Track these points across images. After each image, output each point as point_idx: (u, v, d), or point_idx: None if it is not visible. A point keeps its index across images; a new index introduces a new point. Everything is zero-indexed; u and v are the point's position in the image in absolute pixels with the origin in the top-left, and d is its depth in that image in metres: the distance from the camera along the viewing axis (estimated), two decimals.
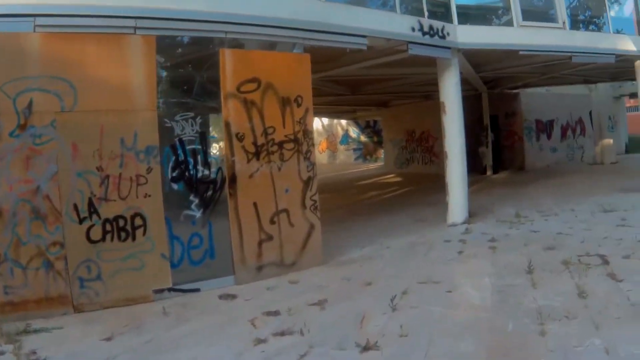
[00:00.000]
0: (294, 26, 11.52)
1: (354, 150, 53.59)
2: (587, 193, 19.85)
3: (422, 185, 27.11)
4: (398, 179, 32.91)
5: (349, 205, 22.01)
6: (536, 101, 33.15)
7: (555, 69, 22.95)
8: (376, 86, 26.79)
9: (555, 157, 34.07)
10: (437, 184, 21.84)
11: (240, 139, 10.73)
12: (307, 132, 11.59)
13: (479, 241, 12.90)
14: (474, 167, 29.57)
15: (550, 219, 15.21)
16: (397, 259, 11.80)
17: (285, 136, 11.26)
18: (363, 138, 52.35)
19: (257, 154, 10.93)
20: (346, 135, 54.26)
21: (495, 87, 29.93)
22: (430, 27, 14.37)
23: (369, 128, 50.28)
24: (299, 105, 11.40)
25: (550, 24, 17.26)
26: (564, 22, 17.13)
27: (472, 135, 29.42)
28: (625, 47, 18.56)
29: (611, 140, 34.15)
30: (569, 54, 17.27)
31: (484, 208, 17.72)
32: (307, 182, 11.56)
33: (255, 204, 10.88)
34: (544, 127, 33.81)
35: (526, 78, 26.66)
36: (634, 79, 30.45)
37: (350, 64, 17.97)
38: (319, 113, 45.36)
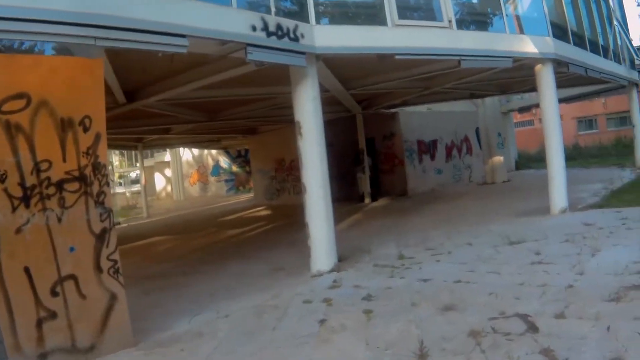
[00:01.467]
0: (75, 21, 8.20)
1: (226, 181, 52.08)
2: (483, 220, 17.37)
3: (291, 219, 24.14)
4: (266, 212, 30.42)
5: (199, 250, 18.80)
6: (417, 120, 30.85)
7: (438, 81, 20.69)
8: (236, 110, 24.20)
9: (441, 179, 31.94)
10: None
11: (1, 179, 7.33)
12: (99, 167, 8.17)
13: (349, 300, 9.53)
14: (350, 195, 29.47)
15: (443, 259, 12.07)
16: (234, 336, 8.49)
17: (67, 173, 7.87)
18: (235, 168, 50.66)
19: (26, 200, 7.56)
20: (217, 165, 52.48)
21: (370, 107, 27.34)
22: (279, 26, 11.19)
23: (241, 157, 48.18)
24: (86, 130, 8.03)
25: (433, 23, 14.21)
26: (450, 21, 14.09)
27: (347, 160, 28.56)
28: (524, 48, 15.75)
29: (501, 158, 32.17)
30: (457, 57, 14.18)
31: (358, 247, 14.82)
32: (102, 236, 8.14)
33: (27, 270, 7.53)
34: (427, 148, 31.54)
35: (405, 94, 24.21)
36: (525, 91, 28.65)
37: (188, 82, 15.46)
38: (177, 143, 43.49)
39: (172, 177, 58.30)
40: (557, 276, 9.29)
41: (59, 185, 7.79)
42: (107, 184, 8.31)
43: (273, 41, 11.03)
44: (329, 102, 22.09)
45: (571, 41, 18.39)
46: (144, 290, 12.47)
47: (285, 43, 11.27)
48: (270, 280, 12.17)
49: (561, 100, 20.64)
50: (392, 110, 29.06)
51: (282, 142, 33.19)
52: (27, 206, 7.48)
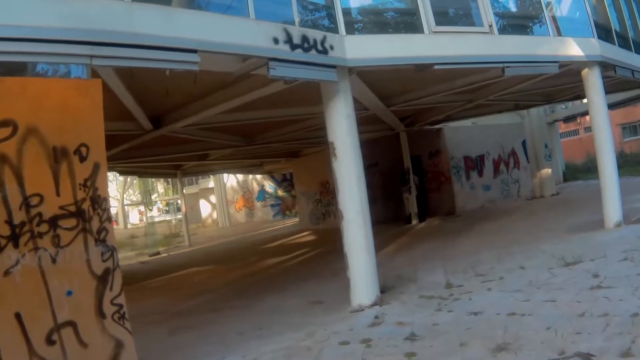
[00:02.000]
0: (67, 38, 7.28)
1: (272, 206, 51.28)
2: (534, 238, 16.14)
3: (337, 244, 22.54)
4: (311, 237, 29.20)
5: (235, 282, 17.69)
6: (462, 136, 29.56)
7: (481, 93, 19.61)
8: (274, 133, 23.23)
9: (489, 195, 30.50)
10: None
11: None
12: (99, 200, 7.21)
13: (391, 341, 8.40)
14: (397, 216, 28.69)
15: (494, 287, 10.87)
16: None
17: (62, 208, 6.90)
18: (280, 192, 49.83)
19: (14, 238, 6.58)
20: (262, 190, 51.77)
21: (413, 124, 26.09)
22: (304, 38, 10.10)
23: (286, 181, 47.31)
24: (82, 160, 7.08)
25: (473, 29, 13.10)
26: (490, 26, 12.92)
27: (393, 180, 27.86)
28: (570, 52, 14.57)
29: (549, 170, 30.90)
30: (500, 65, 12.99)
31: (404, 275, 13.69)
32: (104, 278, 7.21)
33: (19, 316, 6.56)
34: (474, 164, 30.18)
35: (448, 109, 23.02)
36: (570, 99, 27.31)
37: (215, 104, 14.59)
38: (218, 169, 42.94)
39: (217, 203, 57.62)
40: (619, 303, 8.19)
41: (53, 221, 6.84)
42: (109, 219, 7.36)
43: (299, 54, 9.97)
44: (370, 120, 21.88)
45: (616, 42, 17.23)
46: (169, 329, 11.65)
47: (312, 56, 10.17)
48: (306, 317, 11.02)
49: None
50: (437, 126, 27.89)
51: (325, 164, 31.07)
52: (16, 246, 6.54)
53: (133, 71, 10.73)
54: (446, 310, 9.68)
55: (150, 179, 72.20)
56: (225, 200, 56.64)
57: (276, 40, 9.60)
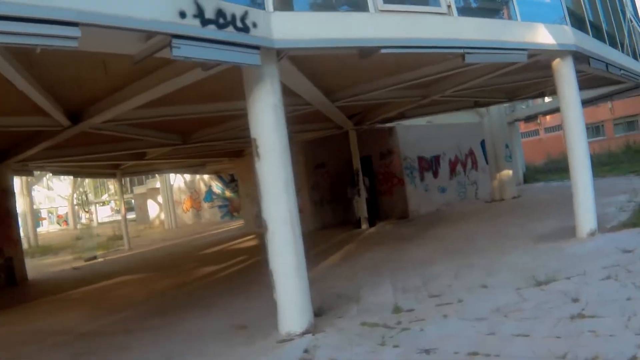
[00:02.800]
0: None
1: (220, 207, 50.02)
2: (497, 248, 14.50)
3: None
4: (253, 242, 27.11)
5: (160, 296, 15.94)
6: (416, 135, 28.10)
7: (437, 88, 18.25)
8: (211, 130, 21.90)
9: (445, 198, 29.27)
10: (306, 244, 16.84)
11: None
12: None
13: None
14: (346, 220, 28.16)
15: (451, 313, 9.05)
16: None
17: None
18: (228, 193, 48.40)
19: None
20: (210, 191, 50.25)
21: (363, 122, 24.62)
22: (219, 12, 8.16)
23: (234, 182, 45.34)
24: None
25: (428, 8, 11.32)
26: (449, 6, 11.16)
27: (342, 182, 28.33)
28: (540, 39, 12.85)
29: (510, 172, 29.29)
30: (460, 50, 11.19)
31: (345, 293, 11.89)
32: None
33: None
34: (429, 165, 28.88)
35: (400, 105, 21.43)
36: (533, 97, 25.83)
37: (131, 96, 13.04)
38: (161, 169, 41.77)
39: (163, 204, 55.78)
40: (610, 340, 6.51)
41: None
42: None
43: (212, 32, 8.06)
44: (315, 118, 20.64)
45: (589, 33, 15.66)
46: (71, 355, 10.09)
47: (230, 34, 8.27)
48: (226, 346, 9.25)
49: None
50: (389, 125, 26.39)
51: None
52: None
53: (31, 57, 9.06)
54: (391, 345, 7.85)
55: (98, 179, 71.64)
56: (172, 201, 55.09)
57: (183, 14, 7.69)
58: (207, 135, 22.18)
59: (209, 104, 16.26)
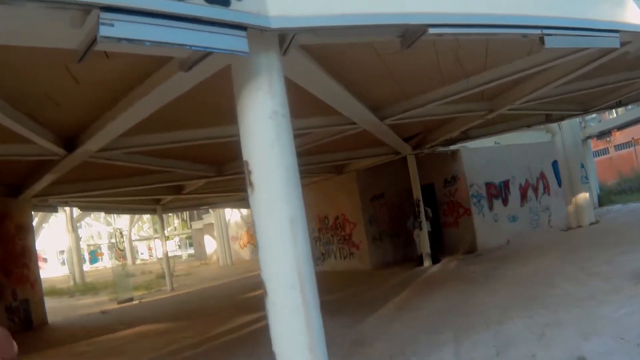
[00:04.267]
0: None
1: None
2: (588, 295, 11.35)
3: (339, 290, 19.62)
4: None
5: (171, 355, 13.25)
6: (483, 158, 25.12)
7: (505, 98, 15.56)
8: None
9: (516, 227, 25.90)
10: (359, 286, 18.39)
11: None
12: None
13: None
14: (407, 256, 25.24)
15: None
16: None
17: None
18: None
19: None
20: None
21: (422, 145, 21.52)
22: None
23: None
24: None
25: None
26: None
27: (402, 214, 25.54)
28: (635, 19, 9.56)
29: (587, 195, 25.85)
30: (537, 31, 7.96)
31: None
32: None
33: None
34: (497, 191, 25.76)
35: (463, 123, 18.34)
36: (609, 107, 22.64)
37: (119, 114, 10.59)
38: (205, 203, 39.13)
39: (217, 240, 53.10)
40: None
41: None
42: None
43: (165, 2, 5.06)
44: (369, 142, 19.24)
45: None
46: None
47: (197, 7, 5.17)
48: None
49: None
50: (452, 147, 23.37)
51: (323, 196, 28.23)
52: None
53: None
54: None
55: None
56: (227, 236, 52.40)
57: None
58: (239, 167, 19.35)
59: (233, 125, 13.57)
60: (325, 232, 28.75)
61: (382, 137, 17.65)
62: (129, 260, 75.15)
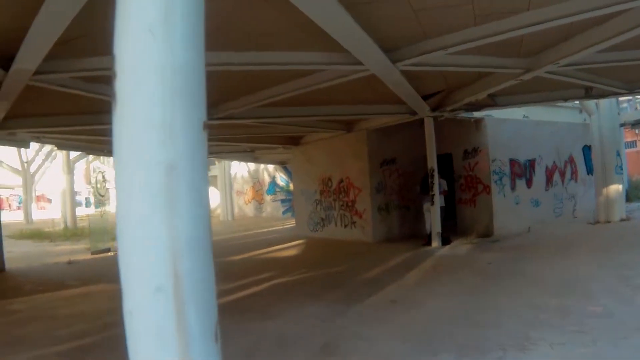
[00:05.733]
0: None
1: (282, 201, 45.19)
2: (634, 314, 8.78)
3: (331, 265, 17.16)
4: (299, 251, 22.15)
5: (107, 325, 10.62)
6: (510, 131, 22.30)
7: (548, 56, 12.82)
8: (248, 99, 16.72)
9: (538, 213, 23.10)
10: (355, 262, 16.64)
11: None
12: None
13: None
14: (415, 232, 22.58)
15: None
16: None
17: None
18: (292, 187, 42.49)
19: None
20: (273, 183, 45.29)
21: (443, 106, 18.58)
22: None
23: None
24: None
25: None
26: None
27: (413, 183, 22.50)
28: None
29: (620, 187, 23.09)
30: None
31: None
32: None
33: None
34: (522, 170, 22.89)
35: (494, 82, 15.54)
36: None
37: None
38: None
39: (220, 195, 50.63)
40: None
41: None
42: None
43: None
44: (382, 96, 17.00)
45: None
46: None
47: None
48: None
49: None
50: (476, 115, 20.61)
51: (328, 155, 25.60)
52: None
53: None
54: None
55: None
56: (230, 191, 50.33)
57: None
58: (232, 109, 17.09)
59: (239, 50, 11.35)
60: (327, 196, 26.02)
61: (396, 88, 14.83)
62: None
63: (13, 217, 66.58)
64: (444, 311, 10.26)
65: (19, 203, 59.10)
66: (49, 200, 57.38)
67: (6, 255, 20.98)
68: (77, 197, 52.27)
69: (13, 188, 75.04)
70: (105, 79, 12.61)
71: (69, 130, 20.10)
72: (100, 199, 31.96)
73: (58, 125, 18.40)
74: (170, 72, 2.98)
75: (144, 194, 2.95)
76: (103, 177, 31.10)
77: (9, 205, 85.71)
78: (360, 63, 11.79)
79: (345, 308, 10.71)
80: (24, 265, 21.29)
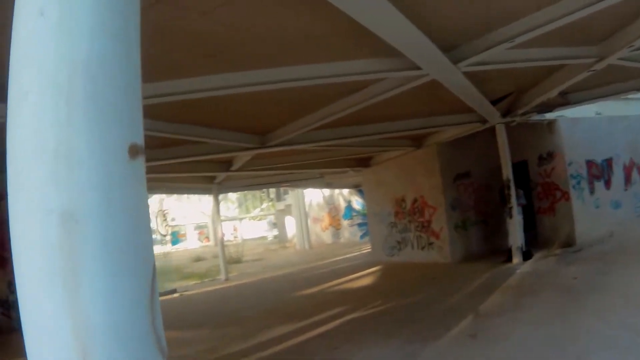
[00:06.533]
0: None
1: (359, 225, 43.95)
2: None
3: (407, 293, 16.06)
4: (375, 279, 20.89)
5: None
6: (584, 131, 20.85)
7: (620, 39, 11.61)
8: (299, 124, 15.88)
9: (619, 216, 21.45)
10: (432, 289, 15.57)
11: None
12: None
13: None
14: (495, 248, 20.82)
15: None
16: None
17: None
18: None
19: None
20: (349, 207, 44.55)
21: (513, 110, 17.52)
22: None
23: None
24: None
25: None
26: None
27: (490, 197, 21.91)
28: None
29: None
30: None
31: None
32: None
33: None
34: (600, 171, 21.44)
35: (565, 77, 14.29)
36: None
37: None
38: (269, 182, 34.54)
39: (296, 222, 50.14)
40: None
41: None
42: None
43: None
44: (451, 107, 16.14)
45: None
46: None
47: None
48: None
49: None
50: (548, 117, 19.30)
51: (401, 174, 24.54)
52: None
53: None
54: None
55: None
56: (305, 218, 49.40)
57: None
58: (289, 134, 16.28)
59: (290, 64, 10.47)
60: (402, 218, 24.85)
61: (462, 94, 13.72)
62: (212, 242, 73.76)
63: None
64: (531, 344, 8.98)
65: None
66: None
67: None
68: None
69: None
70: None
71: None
72: (162, 238, 31.35)
73: None
74: (69, 70, 1.90)
75: (39, 258, 1.91)
76: (163, 215, 30.54)
77: None
78: (417, 67, 10.75)
79: (420, 347, 9.53)
80: None
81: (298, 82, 10.68)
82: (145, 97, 7.76)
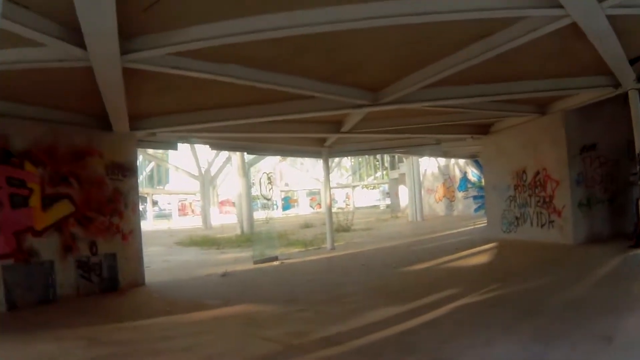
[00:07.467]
0: None
1: (474, 198, 42.42)
2: None
3: (526, 277, 14.24)
4: (490, 258, 19.08)
5: None
6: None
7: None
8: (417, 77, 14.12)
9: None
10: (554, 274, 13.78)
11: None
12: None
13: None
14: (622, 230, 19.20)
15: None
16: None
17: None
18: None
19: None
20: (465, 178, 42.68)
21: None
22: None
23: None
24: None
25: None
26: None
27: (616, 173, 20.15)
28: None
29: None
30: None
31: None
32: None
33: None
34: None
35: None
36: None
37: None
38: (373, 148, 31.84)
39: (408, 192, 48.37)
40: None
41: None
42: None
43: None
44: (581, 66, 14.65)
45: None
46: None
47: None
48: None
49: None
50: None
51: (522, 144, 22.57)
52: None
53: None
54: None
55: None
56: (418, 189, 47.36)
57: None
58: (401, 90, 14.65)
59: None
60: (522, 191, 22.93)
61: (600, 46, 11.82)
62: (323, 209, 73.07)
63: (193, 222, 66.84)
64: None
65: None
66: (234, 204, 56.95)
67: (162, 265, 20.16)
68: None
69: (195, 194, 75.09)
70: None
71: (215, 128, 18.31)
72: (266, 202, 29.74)
73: (191, 122, 17.04)
74: None
75: None
76: (268, 178, 28.87)
77: (192, 211, 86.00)
78: (558, 4, 9.06)
79: (543, 349, 7.70)
80: (171, 277, 19.28)
81: (433, 16, 9.26)
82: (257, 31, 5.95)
